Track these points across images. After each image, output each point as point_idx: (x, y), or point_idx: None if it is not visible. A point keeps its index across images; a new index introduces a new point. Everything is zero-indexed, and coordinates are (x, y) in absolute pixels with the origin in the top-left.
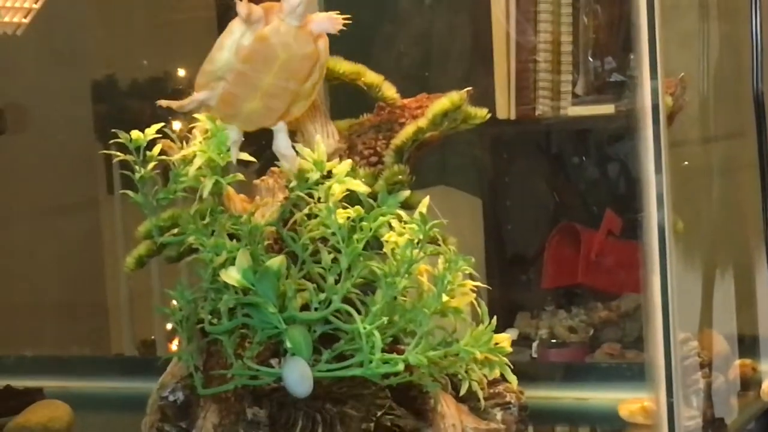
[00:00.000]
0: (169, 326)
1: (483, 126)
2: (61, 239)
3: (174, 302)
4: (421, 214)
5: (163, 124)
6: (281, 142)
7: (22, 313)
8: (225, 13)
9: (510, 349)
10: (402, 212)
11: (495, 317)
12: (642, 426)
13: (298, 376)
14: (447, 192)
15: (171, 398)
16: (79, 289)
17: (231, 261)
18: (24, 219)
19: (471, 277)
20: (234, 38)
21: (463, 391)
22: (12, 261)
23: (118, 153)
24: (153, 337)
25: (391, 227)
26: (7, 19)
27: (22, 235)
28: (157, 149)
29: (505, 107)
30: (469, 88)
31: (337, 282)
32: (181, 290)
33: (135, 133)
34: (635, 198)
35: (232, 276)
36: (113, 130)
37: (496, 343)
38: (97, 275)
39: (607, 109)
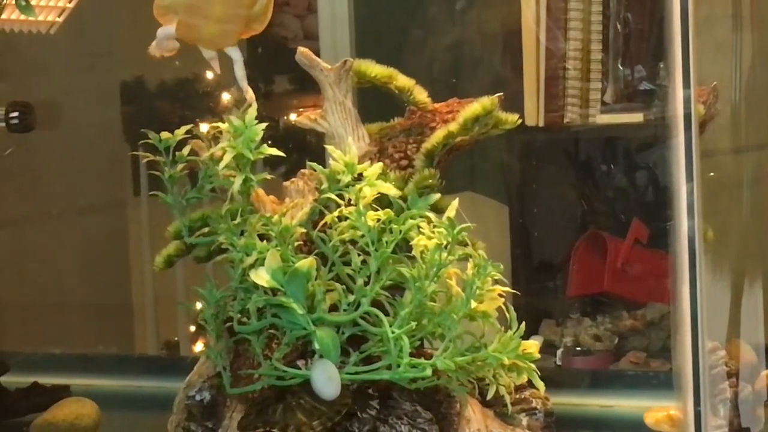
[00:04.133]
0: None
1: (511, 132)
2: (87, 239)
3: (201, 300)
4: (449, 218)
5: (191, 125)
6: (238, 72)
7: (49, 312)
8: None
9: (538, 356)
10: (431, 215)
11: (524, 323)
12: None
13: (326, 378)
14: (474, 198)
15: (198, 398)
16: (105, 289)
17: (261, 261)
18: (51, 218)
19: (499, 282)
20: None
21: (490, 396)
22: (39, 260)
23: (147, 154)
24: (177, 338)
25: (420, 230)
26: (41, 17)
27: (49, 234)
28: (186, 149)
29: (534, 114)
30: (500, 94)
31: (366, 284)
32: (209, 288)
33: (164, 134)
34: (663, 207)
35: (261, 276)
36: (143, 131)
37: (524, 350)
38: (122, 276)
39: (636, 117)
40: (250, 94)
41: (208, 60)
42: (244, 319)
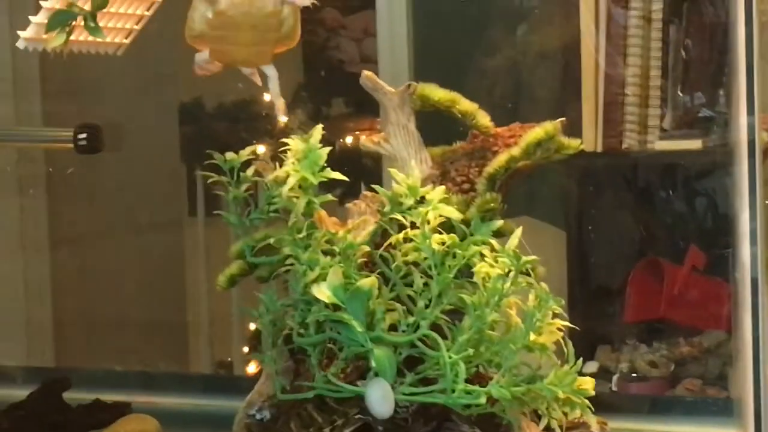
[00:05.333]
0: (245, 349)
1: (569, 157)
2: (145, 258)
3: (261, 306)
4: (514, 250)
5: (255, 147)
6: (273, 88)
7: (108, 329)
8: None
9: (592, 393)
10: (494, 242)
11: (581, 359)
12: None
13: (380, 396)
14: (531, 223)
15: (258, 416)
16: (161, 308)
17: (323, 277)
18: (111, 237)
19: (559, 316)
20: (201, 11)
21: (541, 427)
22: (98, 277)
23: (212, 174)
24: (230, 358)
25: (482, 256)
26: (109, 39)
27: (108, 252)
28: (250, 170)
29: (592, 139)
30: (563, 119)
31: (426, 307)
32: (270, 295)
33: (229, 155)
34: (720, 234)
35: (323, 292)
36: (207, 152)
37: (580, 385)
38: (178, 295)
39: (695, 144)
40: (282, 108)
41: (248, 76)
42: (302, 332)
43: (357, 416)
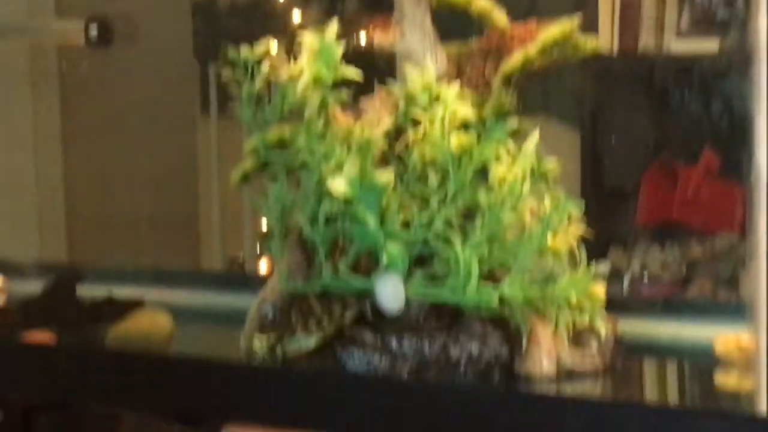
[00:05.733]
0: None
1: (584, 57)
2: (157, 155)
3: (270, 198)
4: (537, 154)
5: (269, 43)
6: None
7: (120, 225)
8: None
9: (603, 299)
10: (511, 144)
11: (593, 265)
12: (737, 363)
13: (391, 291)
14: (545, 123)
15: (263, 311)
16: (173, 205)
17: (338, 169)
18: (123, 133)
19: (575, 220)
20: None
21: (548, 333)
22: (111, 174)
23: (226, 69)
24: (242, 256)
25: (498, 158)
26: None
27: (121, 149)
28: (265, 67)
29: (608, 39)
30: (579, 14)
31: (440, 206)
32: (280, 186)
33: (244, 50)
34: (735, 137)
35: (338, 184)
36: (222, 47)
37: (592, 291)
38: (190, 192)
39: (711, 46)
40: None
41: None
42: (313, 226)
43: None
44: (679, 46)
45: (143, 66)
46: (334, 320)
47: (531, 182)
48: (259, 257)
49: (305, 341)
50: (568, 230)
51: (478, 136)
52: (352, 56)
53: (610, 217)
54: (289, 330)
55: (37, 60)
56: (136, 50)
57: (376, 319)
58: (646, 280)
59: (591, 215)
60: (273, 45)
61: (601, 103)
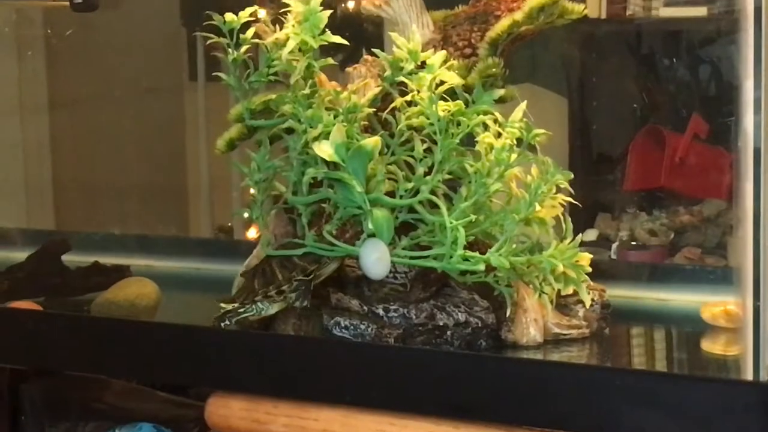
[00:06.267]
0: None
1: (572, 23)
2: (144, 122)
3: (253, 164)
4: (526, 123)
5: (254, 8)
6: None
7: (106, 193)
8: None
9: (589, 269)
10: (498, 114)
11: (580, 235)
12: (724, 329)
13: (376, 257)
14: (532, 90)
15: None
16: (160, 173)
17: (325, 135)
18: (109, 99)
19: (563, 191)
20: None
21: (534, 301)
22: (98, 141)
23: (211, 35)
24: (230, 224)
25: (486, 126)
26: None
27: (107, 115)
28: (250, 32)
29: (596, 5)
30: None
31: (426, 174)
32: (263, 154)
33: (229, 16)
34: (723, 103)
35: (324, 149)
36: (206, 13)
37: (578, 261)
38: (178, 159)
39: (700, 11)
40: None
41: None
42: (297, 192)
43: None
44: (667, 11)
45: (130, 31)
46: (295, 287)
47: (518, 151)
48: (246, 225)
49: (265, 307)
50: (556, 199)
51: (465, 103)
52: (339, 23)
53: (597, 184)
54: (251, 296)
55: (22, 24)
56: (123, 14)
57: (361, 286)
58: (633, 246)
59: (578, 182)
60: (259, 11)
61: (589, 69)
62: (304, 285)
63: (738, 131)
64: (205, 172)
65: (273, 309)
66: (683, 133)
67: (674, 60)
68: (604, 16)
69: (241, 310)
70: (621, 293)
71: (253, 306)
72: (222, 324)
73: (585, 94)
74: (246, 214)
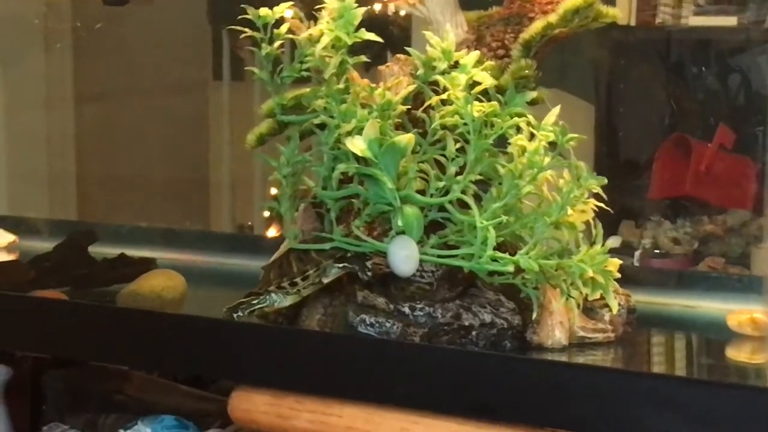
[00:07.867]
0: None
1: (601, 30)
2: (170, 117)
3: (282, 158)
4: (563, 126)
5: (290, 3)
6: None
7: (132, 186)
8: None
9: (618, 275)
10: (531, 117)
11: (609, 241)
12: (750, 337)
13: (405, 255)
14: (560, 95)
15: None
16: (184, 168)
17: (358, 131)
18: (136, 95)
19: (596, 197)
20: None
21: (560, 304)
22: (123, 135)
23: (245, 29)
24: (250, 222)
25: (519, 129)
26: None
27: (134, 110)
28: (284, 27)
29: (626, 12)
30: None
31: (458, 173)
32: (292, 148)
33: (263, 10)
34: (750, 113)
35: (357, 145)
36: (242, 6)
37: (607, 267)
38: (201, 156)
39: (729, 21)
40: None
41: None
42: (327, 186)
43: (340, 265)
44: (697, 20)
45: (158, 27)
46: (310, 281)
47: (552, 155)
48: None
49: (279, 299)
50: (587, 204)
51: (498, 104)
52: (366, 25)
53: (622, 191)
54: (265, 287)
55: (51, 17)
56: (152, 10)
57: (387, 284)
58: (656, 254)
59: (603, 189)
60: (292, 6)
61: (617, 76)
62: (303, 287)
63: (765, 142)
64: (227, 170)
65: (287, 301)
66: (710, 142)
67: (702, 69)
68: (633, 23)
69: (255, 301)
70: (647, 299)
71: (266, 297)
72: (234, 315)
73: (612, 100)
74: (272, 208)
